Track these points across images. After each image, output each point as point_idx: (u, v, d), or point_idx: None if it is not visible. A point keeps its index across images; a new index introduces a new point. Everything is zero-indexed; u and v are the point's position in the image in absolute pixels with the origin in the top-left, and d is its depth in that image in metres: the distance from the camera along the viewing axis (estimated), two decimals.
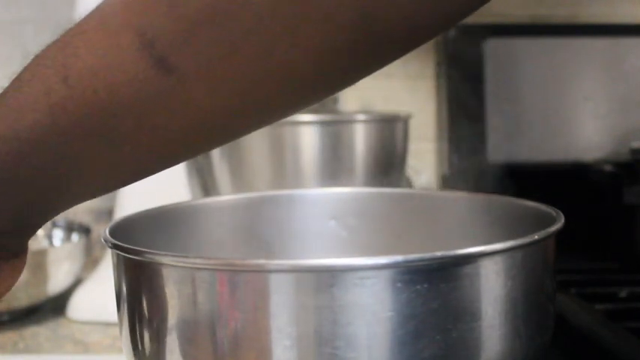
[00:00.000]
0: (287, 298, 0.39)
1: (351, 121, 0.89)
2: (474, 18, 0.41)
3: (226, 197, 0.66)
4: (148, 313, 0.43)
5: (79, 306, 0.83)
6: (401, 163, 0.92)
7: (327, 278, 0.39)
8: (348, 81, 0.39)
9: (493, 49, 1.05)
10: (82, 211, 1.02)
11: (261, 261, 0.40)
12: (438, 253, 0.40)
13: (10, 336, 0.79)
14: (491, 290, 0.42)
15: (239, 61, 0.36)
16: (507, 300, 0.42)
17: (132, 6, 0.37)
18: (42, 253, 0.81)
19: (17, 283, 0.49)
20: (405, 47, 0.38)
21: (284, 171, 0.86)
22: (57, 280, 0.83)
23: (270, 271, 0.40)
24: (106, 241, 0.46)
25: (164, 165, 0.42)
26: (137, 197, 0.82)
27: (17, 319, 0.82)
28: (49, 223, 0.49)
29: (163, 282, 0.42)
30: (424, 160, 1.11)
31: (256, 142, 0.85)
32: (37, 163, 0.40)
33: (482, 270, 0.41)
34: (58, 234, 0.94)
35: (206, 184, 0.98)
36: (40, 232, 0.48)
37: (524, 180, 1.01)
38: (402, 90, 1.10)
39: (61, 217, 0.94)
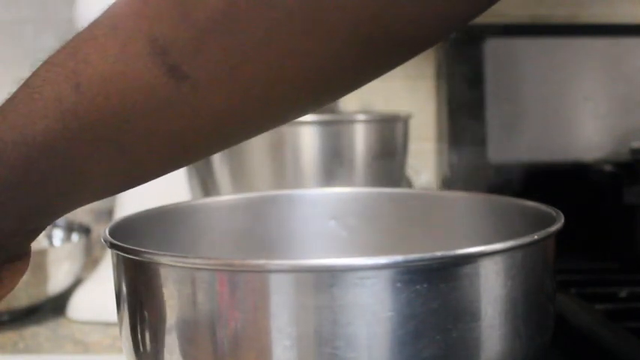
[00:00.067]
0: (287, 298, 0.39)
1: (351, 121, 0.89)
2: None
3: (226, 197, 0.66)
4: (148, 313, 0.43)
5: (79, 306, 0.83)
6: (401, 163, 0.92)
7: (327, 278, 0.39)
8: (356, 84, 0.40)
9: (493, 49, 1.05)
10: (82, 211, 1.01)
11: (261, 261, 0.40)
12: (438, 253, 0.40)
13: (10, 336, 0.79)
14: (491, 290, 0.42)
15: (251, 68, 0.36)
16: (507, 300, 0.42)
17: (143, 12, 0.37)
18: (42, 253, 0.81)
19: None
20: (411, 50, 0.38)
21: (284, 171, 0.86)
22: (57, 280, 0.83)
23: (270, 271, 0.40)
24: (105, 241, 0.46)
25: (173, 167, 0.43)
26: (137, 197, 0.82)
27: (17, 319, 0.82)
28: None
29: (163, 282, 0.42)
30: (424, 160, 1.11)
31: (256, 142, 0.85)
32: (46, 168, 0.40)
33: (482, 270, 0.41)
34: (58, 234, 0.94)
35: (206, 185, 0.98)
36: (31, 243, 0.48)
37: (524, 180, 1.01)
38: (402, 90, 1.10)
39: (61, 217, 0.94)
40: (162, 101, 0.37)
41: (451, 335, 0.40)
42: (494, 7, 0.38)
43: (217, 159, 0.90)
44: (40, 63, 0.40)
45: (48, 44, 0.41)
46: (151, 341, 0.43)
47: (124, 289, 0.45)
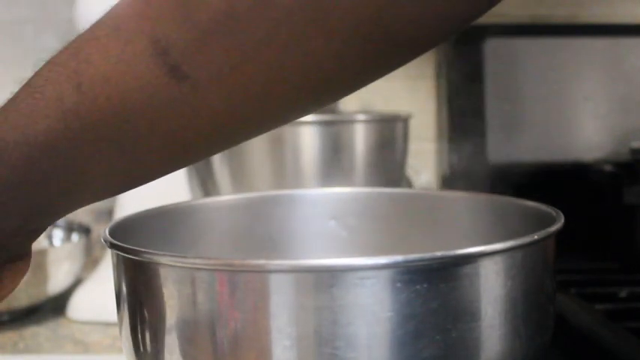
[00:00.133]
0: (287, 298, 0.39)
1: (351, 121, 0.89)
2: None
3: (226, 197, 0.66)
4: (148, 313, 0.43)
5: (79, 306, 0.83)
6: (401, 163, 0.92)
7: (327, 278, 0.39)
8: (357, 84, 0.40)
9: (493, 49, 1.05)
10: (82, 211, 1.01)
11: (261, 261, 0.40)
12: (438, 253, 0.40)
13: (10, 336, 0.79)
14: (491, 290, 0.42)
15: (251, 68, 0.36)
16: (507, 300, 0.42)
17: (145, 13, 0.37)
18: (42, 253, 0.81)
19: None
20: (412, 51, 0.39)
21: (284, 171, 0.86)
22: (57, 280, 0.83)
23: (270, 271, 0.40)
24: (105, 241, 0.46)
25: (173, 168, 0.43)
26: (137, 197, 0.82)
27: (17, 319, 0.82)
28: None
29: (163, 282, 0.42)
30: (424, 160, 1.11)
31: (256, 142, 0.85)
32: (48, 168, 0.40)
33: (482, 270, 0.41)
34: (58, 234, 0.94)
35: (206, 185, 0.98)
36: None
37: (524, 180, 1.01)
38: (402, 90, 1.10)
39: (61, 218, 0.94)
40: (162, 101, 0.37)
41: (451, 335, 0.40)
42: (495, 7, 0.38)
43: (217, 159, 0.90)
44: (41, 63, 0.40)
45: (48, 44, 0.41)
46: (151, 341, 0.43)
47: (124, 289, 0.45)
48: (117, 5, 0.38)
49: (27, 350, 0.76)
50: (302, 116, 0.42)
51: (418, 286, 0.39)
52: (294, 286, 0.39)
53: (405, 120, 0.92)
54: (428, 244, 0.57)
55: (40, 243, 0.90)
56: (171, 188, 0.85)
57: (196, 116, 0.38)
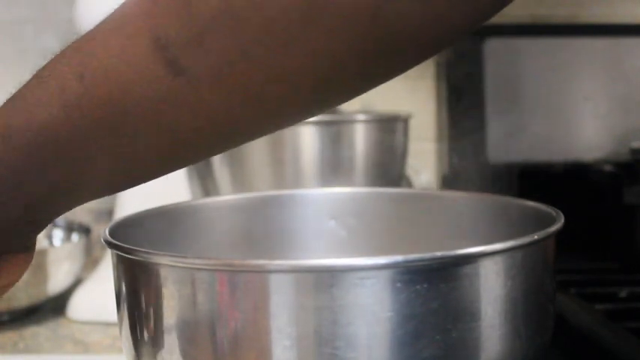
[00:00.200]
0: (287, 299, 0.39)
1: (351, 121, 0.89)
2: None
3: (226, 197, 0.66)
4: (148, 313, 0.43)
5: (79, 306, 0.83)
6: (401, 163, 0.92)
7: (327, 278, 0.39)
8: (359, 88, 0.40)
9: (493, 49, 1.05)
10: (82, 211, 1.02)
11: (261, 261, 0.40)
12: (438, 253, 0.40)
13: (10, 336, 0.79)
14: (491, 290, 0.42)
15: (249, 66, 0.37)
16: (507, 300, 0.42)
17: (148, 10, 0.38)
18: (42, 253, 0.81)
19: (17, 283, 0.49)
20: (414, 55, 0.39)
21: (284, 171, 0.86)
22: (57, 280, 0.83)
23: (270, 272, 0.40)
24: (105, 241, 0.46)
25: (172, 166, 0.43)
26: (137, 197, 0.82)
27: (17, 319, 0.82)
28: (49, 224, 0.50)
29: (163, 282, 0.42)
30: (424, 160, 1.10)
31: (256, 142, 0.85)
32: (48, 156, 0.41)
33: (482, 270, 0.41)
34: (58, 234, 0.94)
35: (206, 185, 0.98)
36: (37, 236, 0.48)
37: (524, 180, 1.01)
38: (402, 90, 1.10)
39: (61, 217, 0.94)
40: (160, 95, 0.38)
41: (451, 335, 0.40)
42: None
43: (217, 159, 0.90)
44: (41, 63, 0.41)
45: (48, 44, 0.41)
46: (151, 341, 0.43)
47: (124, 289, 0.45)
48: (124, 4, 0.39)
49: (27, 350, 0.76)
50: (304, 119, 0.43)
51: (418, 286, 0.39)
52: (294, 286, 0.39)
53: (405, 120, 0.92)
54: (428, 244, 0.57)
55: (40, 243, 0.91)
56: (171, 188, 0.85)
57: (193, 112, 0.38)
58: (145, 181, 0.44)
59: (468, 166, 1.04)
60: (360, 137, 0.87)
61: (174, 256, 0.43)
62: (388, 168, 0.89)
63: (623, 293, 0.73)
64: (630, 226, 0.84)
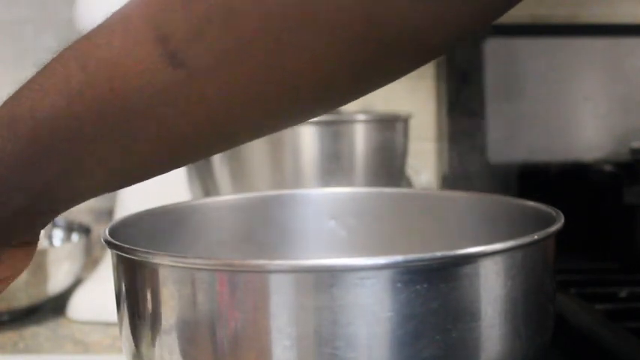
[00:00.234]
0: (287, 299, 0.39)
1: (351, 121, 0.89)
2: None
3: (226, 197, 0.66)
4: (148, 313, 0.43)
5: (79, 306, 0.83)
6: (401, 163, 0.92)
7: (327, 278, 0.39)
8: (360, 89, 0.40)
9: (493, 49, 1.05)
10: (82, 211, 1.02)
11: (261, 261, 0.40)
12: (438, 253, 0.40)
13: (10, 336, 0.79)
14: (491, 290, 0.42)
15: (246, 61, 0.37)
16: (507, 300, 0.42)
17: (150, 3, 0.39)
18: (42, 253, 0.81)
19: (17, 283, 0.49)
20: (414, 59, 0.39)
21: (284, 171, 0.86)
22: (57, 280, 0.83)
23: (270, 272, 0.40)
24: (105, 241, 0.46)
25: (171, 163, 0.44)
26: (137, 197, 0.82)
27: (17, 319, 0.82)
28: (49, 224, 0.50)
29: (163, 282, 0.42)
30: (424, 160, 1.11)
31: (256, 142, 0.85)
32: (50, 144, 0.41)
33: (482, 270, 0.41)
34: (58, 234, 0.94)
35: (206, 185, 0.98)
36: (40, 232, 0.49)
37: (524, 180, 1.01)
38: (402, 90, 1.09)
39: (61, 217, 0.94)
40: (160, 87, 0.38)
41: (451, 335, 0.40)
42: None
43: (217, 159, 0.90)
44: (41, 63, 0.42)
45: (48, 44, 0.42)
46: (151, 341, 0.43)
47: (124, 289, 0.45)
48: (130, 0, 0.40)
49: (27, 350, 0.76)
50: (304, 121, 0.43)
51: (418, 286, 0.39)
52: (294, 286, 0.39)
53: (405, 120, 0.92)
54: (428, 244, 0.57)
55: (40, 243, 0.91)
56: (172, 188, 0.85)
57: (192, 103, 0.39)
58: (143, 179, 0.44)
59: (468, 166, 1.04)
60: (360, 137, 0.87)
61: (174, 256, 0.43)
62: (388, 168, 0.89)
63: (623, 293, 0.73)
64: (630, 226, 0.84)
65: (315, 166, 0.85)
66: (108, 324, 0.79)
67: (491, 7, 0.37)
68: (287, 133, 0.85)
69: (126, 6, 0.40)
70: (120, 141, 0.41)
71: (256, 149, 0.86)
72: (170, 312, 0.42)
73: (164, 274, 0.42)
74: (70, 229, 0.94)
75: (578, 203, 0.80)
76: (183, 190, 0.89)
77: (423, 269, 0.39)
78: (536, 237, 0.44)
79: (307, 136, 0.85)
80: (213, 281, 0.41)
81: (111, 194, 0.85)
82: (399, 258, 0.39)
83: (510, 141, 1.05)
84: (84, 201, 0.45)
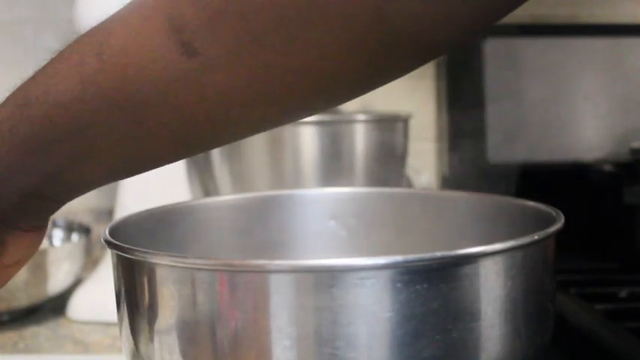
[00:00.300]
0: (287, 299, 0.39)
1: (351, 121, 0.89)
2: None
3: (226, 197, 0.66)
4: (148, 313, 0.43)
5: (79, 306, 0.83)
6: (401, 163, 0.92)
7: (327, 278, 0.39)
8: (364, 84, 0.41)
9: (493, 49, 1.05)
10: (82, 211, 1.02)
11: (261, 261, 0.40)
12: (438, 253, 0.40)
13: (10, 336, 0.79)
14: (491, 290, 0.42)
15: (258, 52, 0.38)
16: (507, 300, 0.42)
17: None
18: (42, 253, 0.81)
19: (17, 283, 0.49)
20: (417, 58, 0.39)
21: (284, 171, 0.86)
22: (57, 280, 0.83)
23: (270, 272, 0.40)
24: (105, 241, 0.46)
25: (179, 151, 0.44)
26: (137, 197, 0.83)
27: (17, 319, 0.82)
28: (49, 224, 0.50)
29: (163, 282, 0.42)
30: (424, 160, 1.11)
31: (256, 142, 0.85)
32: (62, 129, 0.42)
33: (482, 270, 0.41)
34: (58, 234, 0.94)
35: (206, 184, 0.98)
36: (49, 217, 0.49)
37: (524, 180, 1.01)
38: (402, 90, 1.09)
39: (61, 217, 0.94)
40: (174, 75, 0.39)
41: (451, 335, 0.40)
42: None
43: (217, 159, 0.90)
44: (41, 63, 0.43)
45: (48, 44, 0.42)
46: (151, 341, 0.43)
47: (124, 289, 0.45)
48: None
49: (27, 350, 0.76)
50: (307, 115, 0.43)
51: (418, 286, 0.39)
52: (294, 286, 0.39)
53: (405, 120, 0.92)
54: (428, 244, 0.57)
55: None
56: (172, 188, 0.85)
57: (204, 92, 0.39)
58: (151, 167, 0.45)
59: (468, 166, 1.04)
60: (360, 137, 0.87)
61: (174, 256, 0.43)
62: (388, 168, 0.89)
63: (623, 293, 0.73)
64: (630, 226, 0.84)
65: (315, 166, 0.85)
66: (108, 324, 0.79)
67: (492, 8, 0.37)
68: (287, 133, 0.85)
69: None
70: (131, 128, 0.41)
71: (256, 149, 0.86)
72: (170, 312, 0.42)
73: (164, 274, 0.42)
74: (70, 229, 0.94)
75: (578, 203, 0.80)
76: (183, 190, 0.89)
77: (423, 269, 0.39)
78: (536, 237, 0.44)
79: (307, 136, 0.85)
80: (213, 281, 0.41)
81: (111, 194, 0.85)
82: (399, 258, 0.39)
83: (510, 141, 1.05)
84: (90, 189, 0.46)
